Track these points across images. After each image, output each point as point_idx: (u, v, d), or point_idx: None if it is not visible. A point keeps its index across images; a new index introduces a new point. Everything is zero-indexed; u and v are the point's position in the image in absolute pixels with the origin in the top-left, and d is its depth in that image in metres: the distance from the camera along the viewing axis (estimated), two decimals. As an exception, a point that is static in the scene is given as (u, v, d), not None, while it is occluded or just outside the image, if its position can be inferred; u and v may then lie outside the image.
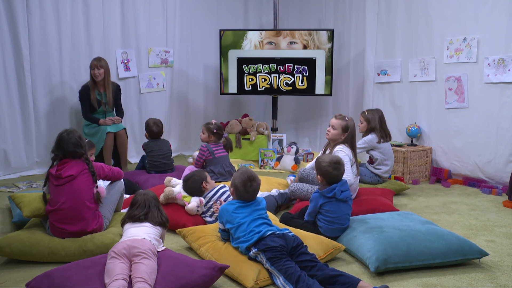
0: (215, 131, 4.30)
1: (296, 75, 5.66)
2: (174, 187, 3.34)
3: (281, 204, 3.63)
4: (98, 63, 4.64)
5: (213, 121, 4.40)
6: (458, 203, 3.92)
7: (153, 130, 4.43)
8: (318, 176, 2.98)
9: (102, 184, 3.25)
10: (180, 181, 3.42)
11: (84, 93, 4.70)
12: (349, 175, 3.22)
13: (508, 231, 3.20)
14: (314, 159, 3.29)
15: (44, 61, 4.82)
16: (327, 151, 3.53)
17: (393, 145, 4.58)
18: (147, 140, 4.50)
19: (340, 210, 2.86)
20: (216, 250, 2.59)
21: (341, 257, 2.73)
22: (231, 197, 2.85)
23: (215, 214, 3.17)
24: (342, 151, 3.35)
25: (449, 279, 2.44)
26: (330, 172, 2.91)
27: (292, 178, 4.17)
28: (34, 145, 4.84)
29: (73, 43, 5.00)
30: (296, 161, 5.15)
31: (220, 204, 3.02)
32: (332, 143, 3.52)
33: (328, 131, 3.54)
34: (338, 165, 2.93)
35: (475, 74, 4.40)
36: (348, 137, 3.45)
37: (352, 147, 3.46)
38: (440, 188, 4.48)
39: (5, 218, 3.41)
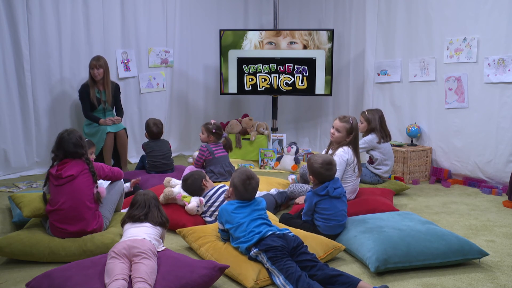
0: (214, 131, 4.30)
1: (296, 75, 5.66)
2: (173, 188, 3.34)
3: (280, 203, 3.62)
4: (97, 63, 4.65)
5: (212, 121, 4.40)
6: (458, 203, 3.92)
7: (153, 130, 4.43)
8: (310, 177, 2.99)
9: (103, 184, 3.25)
10: (180, 182, 3.42)
11: (84, 91, 4.71)
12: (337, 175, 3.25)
13: (508, 231, 3.20)
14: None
15: (44, 61, 4.82)
16: (330, 151, 3.53)
17: (393, 145, 4.58)
18: (147, 140, 4.51)
19: (335, 207, 2.86)
20: (216, 250, 2.59)
21: (341, 257, 2.73)
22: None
23: (215, 214, 3.17)
24: (340, 155, 3.38)
25: (449, 279, 2.44)
26: (323, 173, 2.92)
27: (293, 177, 4.18)
28: (34, 145, 4.84)
29: (73, 43, 5.00)
30: (296, 161, 5.15)
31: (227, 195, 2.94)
32: (336, 145, 3.51)
33: (332, 133, 3.52)
34: (330, 165, 2.94)
35: (475, 74, 4.40)
36: (352, 139, 3.45)
37: (355, 148, 3.46)
38: (440, 188, 4.48)
39: (5, 218, 3.41)
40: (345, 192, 3.01)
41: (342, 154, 3.40)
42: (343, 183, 3.40)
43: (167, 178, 3.48)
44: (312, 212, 2.92)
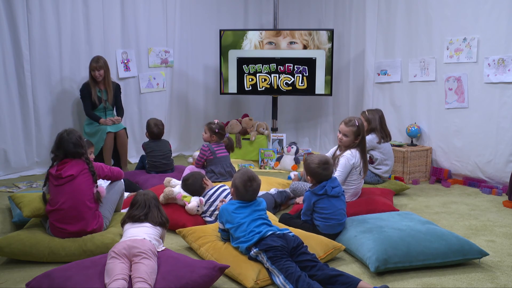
0: (217, 131, 4.31)
1: (296, 75, 5.66)
2: (173, 188, 3.34)
3: (280, 202, 3.62)
4: (97, 65, 4.66)
5: (216, 121, 4.41)
6: (458, 203, 3.92)
7: (154, 131, 4.43)
8: (308, 177, 2.99)
9: (102, 183, 3.25)
10: (180, 182, 3.42)
11: (85, 90, 4.73)
12: (339, 176, 3.28)
13: (508, 231, 3.20)
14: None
15: (44, 61, 4.82)
16: (338, 152, 3.53)
17: (393, 145, 4.58)
18: (147, 139, 4.51)
19: (334, 206, 2.87)
20: (216, 250, 2.59)
21: (341, 257, 2.73)
22: (231, 196, 2.85)
23: (215, 213, 3.17)
24: (347, 157, 3.38)
25: (449, 279, 2.44)
26: (320, 173, 2.92)
27: (295, 173, 4.17)
28: (34, 145, 4.84)
29: (73, 43, 5.00)
30: (296, 161, 5.15)
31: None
32: (345, 148, 3.50)
33: (340, 139, 3.49)
34: (326, 165, 2.94)
35: (475, 74, 4.40)
36: (360, 140, 3.44)
37: (363, 150, 3.45)
38: (440, 188, 4.48)
39: (5, 218, 3.41)
40: (344, 191, 3.01)
41: (349, 157, 3.39)
42: (346, 186, 3.40)
43: (167, 178, 3.48)
44: (311, 212, 2.93)
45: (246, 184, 2.57)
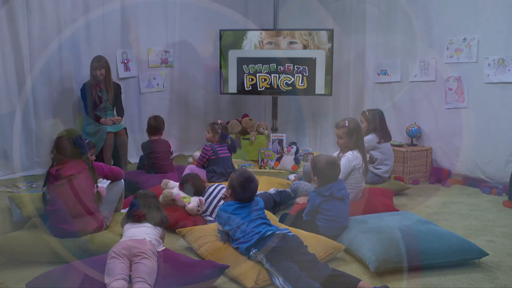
0: (219, 131, 4.31)
1: (296, 75, 5.66)
2: (172, 189, 3.33)
3: (280, 202, 3.61)
4: (98, 64, 4.67)
5: (219, 121, 4.42)
6: (458, 203, 3.92)
7: (151, 124, 4.43)
8: (314, 177, 2.98)
9: (102, 183, 3.24)
10: (177, 184, 3.41)
11: (86, 90, 4.73)
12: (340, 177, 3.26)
13: (508, 231, 3.20)
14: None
15: (44, 61, 4.82)
16: (341, 154, 3.53)
17: (393, 145, 4.58)
18: (148, 138, 4.50)
19: (338, 208, 2.86)
20: (216, 250, 2.59)
21: (341, 257, 2.72)
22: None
23: (215, 212, 3.16)
24: (348, 158, 3.38)
25: (449, 279, 2.44)
26: (326, 173, 2.92)
27: (295, 174, 4.17)
28: (34, 145, 4.84)
29: (73, 43, 5.00)
30: (296, 161, 5.15)
31: None
32: (345, 149, 3.50)
33: (337, 142, 3.52)
34: (333, 165, 2.94)
35: (475, 74, 4.40)
36: (356, 139, 3.44)
37: (362, 150, 3.45)
38: (440, 188, 4.48)
39: (5, 218, 3.40)
40: (348, 193, 3.00)
41: (350, 158, 3.38)
42: (348, 189, 3.39)
43: (164, 180, 3.46)
44: (315, 213, 2.92)
45: (244, 186, 2.57)
